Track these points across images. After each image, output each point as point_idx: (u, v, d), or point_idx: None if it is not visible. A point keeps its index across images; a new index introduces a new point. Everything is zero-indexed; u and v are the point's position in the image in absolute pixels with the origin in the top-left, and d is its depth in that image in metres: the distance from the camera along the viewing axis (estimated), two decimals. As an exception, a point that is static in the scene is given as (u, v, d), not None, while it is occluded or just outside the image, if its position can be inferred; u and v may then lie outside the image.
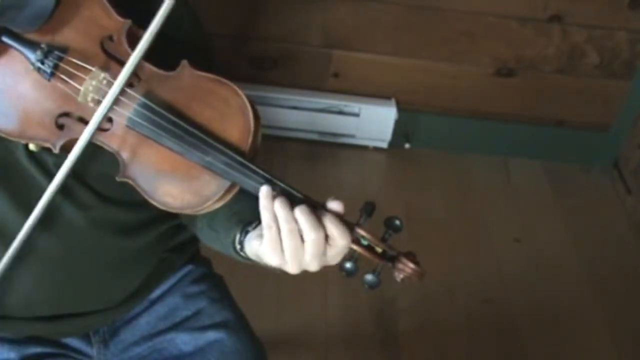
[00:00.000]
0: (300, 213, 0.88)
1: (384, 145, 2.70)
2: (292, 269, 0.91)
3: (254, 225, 0.99)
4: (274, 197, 0.88)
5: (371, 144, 2.70)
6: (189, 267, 1.29)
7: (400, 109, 2.61)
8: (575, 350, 2.13)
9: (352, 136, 2.67)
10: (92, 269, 1.12)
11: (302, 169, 2.58)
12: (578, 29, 2.49)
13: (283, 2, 2.44)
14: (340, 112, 2.62)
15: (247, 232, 1.00)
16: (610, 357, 2.13)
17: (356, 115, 2.61)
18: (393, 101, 2.62)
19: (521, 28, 2.49)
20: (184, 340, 1.22)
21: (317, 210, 0.90)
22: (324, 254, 0.90)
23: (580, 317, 2.23)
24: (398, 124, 2.63)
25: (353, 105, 2.60)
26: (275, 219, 0.89)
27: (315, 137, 2.67)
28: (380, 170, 2.69)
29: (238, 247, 1.01)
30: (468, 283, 2.26)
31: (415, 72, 2.58)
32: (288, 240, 0.89)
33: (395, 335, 2.10)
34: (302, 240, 0.89)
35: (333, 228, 0.88)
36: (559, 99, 2.66)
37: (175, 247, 1.26)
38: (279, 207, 0.88)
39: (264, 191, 0.89)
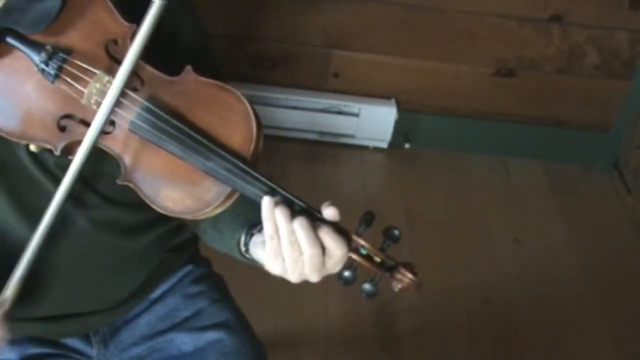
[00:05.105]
0: (299, 227, 0.88)
1: (384, 145, 2.70)
2: (293, 278, 0.93)
3: (259, 227, 1.00)
4: (275, 205, 0.89)
5: (371, 144, 2.71)
6: (189, 267, 1.29)
7: (400, 109, 2.61)
8: (575, 350, 2.13)
9: (352, 136, 2.67)
10: (92, 269, 1.11)
11: (302, 169, 2.58)
12: (578, 29, 2.50)
13: (283, 3, 2.44)
14: (340, 112, 2.62)
15: (252, 235, 1.01)
16: (610, 356, 2.13)
17: (356, 115, 2.61)
18: (393, 101, 2.62)
19: (521, 28, 2.49)
20: (184, 341, 1.22)
21: (315, 221, 0.90)
22: (323, 266, 0.91)
23: (580, 317, 2.23)
24: (398, 124, 2.63)
25: (353, 105, 2.60)
26: (277, 229, 0.89)
27: (315, 137, 2.67)
28: (380, 170, 2.69)
29: (243, 249, 1.02)
30: (468, 283, 2.26)
31: (415, 72, 2.58)
32: (288, 251, 0.90)
33: (395, 335, 2.10)
34: (301, 252, 0.90)
35: (330, 241, 0.89)
36: (559, 99, 2.66)
37: (175, 247, 1.26)
38: (281, 218, 0.89)
39: (266, 202, 0.89)
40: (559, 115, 2.70)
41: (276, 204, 0.89)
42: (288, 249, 0.89)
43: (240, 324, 1.25)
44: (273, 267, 0.93)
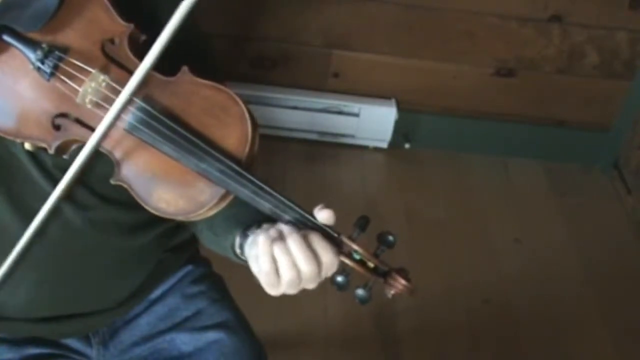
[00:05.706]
0: (294, 246, 0.88)
1: (384, 145, 2.70)
2: (291, 292, 0.93)
3: (253, 228, 1.00)
4: (273, 242, 0.89)
5: (371, 144, 2.70)
6: (189, 267, 1.29)
7: (400, 109, 2.61)
8: (575, 350, 2.13)
9: (352, 136, 2.67)
10: (91, 269, 1.11)
11: (302, 169, 2.57)
12: (578, 29, 2.49)
13: (283, 3, 2.44)
14: (340, 112, 2.62)
15: (247, 236, 1.00)
16: (610, 356, 2.13)
17: (356, 115, 2.61)
18: (393, 101, 2.62)
19: (521, 28, 2.49)
20: (184, 341, 1.22)
21: (308, 229, 0.90)
22: (318, 275, 0.91)
23: (580, 317, 2.23)
24: (398, 124, 2.63)
25: (353, 105, 2.60)
26: (275, 264, 0.90)
27: (315, 137, 2.67)
28: (380, 170, 2.69)
29: (238, 251, 1.02)
30: (468, 283, 2.26)
31: (415, 72, 2.58)
32: (287, 279, 0.90)
33: (395, 335, 2.10)
34: (300, 270, 0.90)
35: (319, 248, 0.89)
36: (559, 99, 2.66)
37: (175, 247, 1.25)
38: (280, 254, 0.89)
39: (262, 240, 0.90)
40: (559, 115, 2.69)
41: (273, 241, 0.89)
42: (287, 276, 0.90)
43: (240, 324, 1.25)
44: (270, 291, 0.93)
